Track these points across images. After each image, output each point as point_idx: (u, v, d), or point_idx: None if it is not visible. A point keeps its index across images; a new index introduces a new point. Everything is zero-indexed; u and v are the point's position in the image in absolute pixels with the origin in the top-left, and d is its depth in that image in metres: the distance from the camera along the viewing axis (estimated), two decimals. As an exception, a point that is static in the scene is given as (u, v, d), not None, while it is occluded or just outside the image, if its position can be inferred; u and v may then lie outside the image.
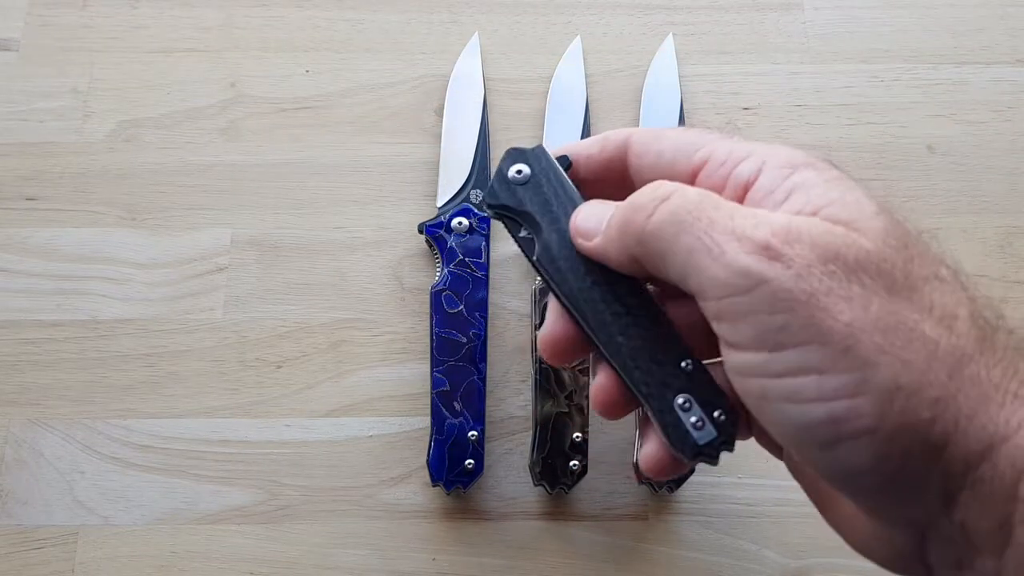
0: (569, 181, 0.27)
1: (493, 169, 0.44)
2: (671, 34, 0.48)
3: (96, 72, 0.47)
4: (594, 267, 0.25)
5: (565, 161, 0.27)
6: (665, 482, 0.39)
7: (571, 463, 0.39)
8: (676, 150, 0.25)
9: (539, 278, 0.41)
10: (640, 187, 0.25)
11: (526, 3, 0.49)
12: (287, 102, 0.47)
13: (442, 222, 0.42)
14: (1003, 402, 0.20)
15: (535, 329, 0.40)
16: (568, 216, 0.26)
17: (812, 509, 0.40)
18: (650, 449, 0.26)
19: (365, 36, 0.48)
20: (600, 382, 0.26)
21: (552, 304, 0.27)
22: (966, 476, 0.20)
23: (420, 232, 0.42)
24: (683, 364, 0.25)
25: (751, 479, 0.40)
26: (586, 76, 0.47)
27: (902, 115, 0.47)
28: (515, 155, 0.27)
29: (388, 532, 0.39)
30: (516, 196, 0.27)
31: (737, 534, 0.40)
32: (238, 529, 0.39)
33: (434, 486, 0.39)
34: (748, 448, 0.41)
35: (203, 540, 0.39)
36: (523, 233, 0.27)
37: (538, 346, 0.27)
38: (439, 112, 0.46)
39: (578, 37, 0.48)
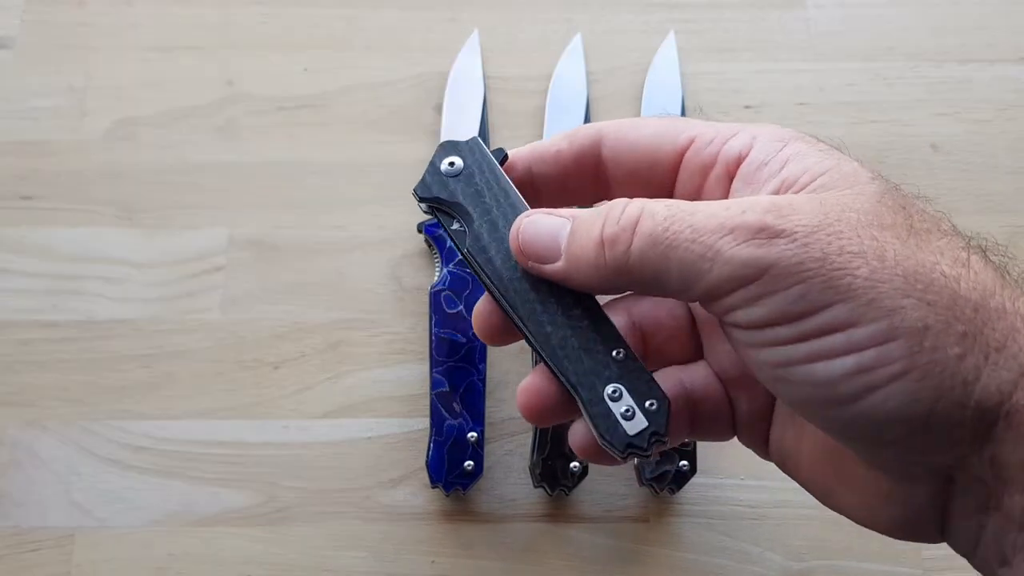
0: (503, 173, 0.26)
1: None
2: (672, 32, 0.48)
3: (93, 70, 0.47)
4: None
5: (500, 153, 0.26)
6: (667, 483, 0.38)
7: (571, 465, 0.39)
8: (657, 136, 0.25)
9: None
10: (618, 177, 0.26)
11: (526, 1, 0.49)
12: (285, 100, 0.46)
13: (441, 221, 0.42)
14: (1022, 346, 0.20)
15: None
16: (501, 206, 0.25)
17: (815, 511, 0.40)
18: (580, 427, 0.25)
19: (364, 34, 0.48)
20: (528, 383, 0.25)
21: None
22: (1000, 407, 0.20)
23: (419, 232, 0.42)
24: (614, 353, 0.24)
25: (753, 481, 0.40)
26: (587, 74, 0.46)
27: (905, 113, 0.47)
28: (448, 148, 0.26)
29: (387, 534, 0.39)
30: (448, 188, 0.26)
31: (739, 536, 0.39)
32: (236, 531, 0.39)
33: (433, 488, 0.39)
34: (750, 450, 0.41)
35: (200, 542, 0.39)
36: (455, 226, 0.26)
37: (473, 323, 0.27)
38: (439, 110, 0.46)
39: (579, 35, 0.47)
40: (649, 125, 0.25)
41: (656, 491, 0.39)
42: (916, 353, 0.20)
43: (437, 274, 0.41)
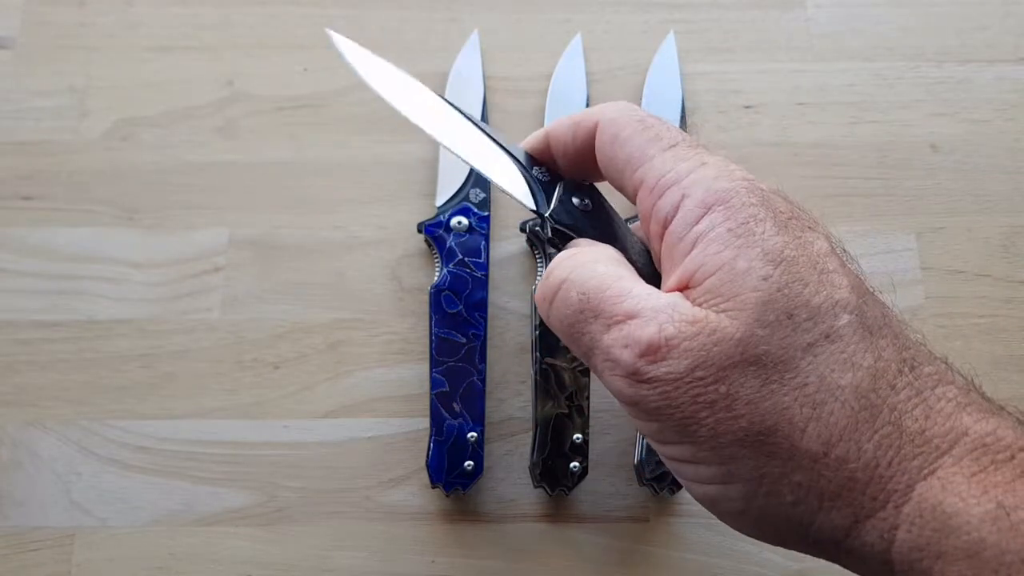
0: (619, 216, 0.29)
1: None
2: (672, 32, 0.48)
3: (93, 70, 0.47)
4: None
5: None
6: (667, 484, 0.39)
7: (571, 465, 0.39)
8: (625, 162, 0.26)
9: (538, 277, 0.40)
10: (610, 181, 0.28)
11: (526, 1, 0.49)
12: (285, 100, 0.46)
13: (441, 221, 0.42)
14: (868, 480, 0.21)
15: (535, 329, 0.40)
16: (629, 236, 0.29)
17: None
18: None
19: (364, 34, 0.48)
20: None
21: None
22: (838, 546, 0.22)
23: (419, 232, 0.42)
24: None
25: (753, 481, 0.40)
26: (587, 74, 0.46)
27: (905, 113, 0.47)
28: (572, 186, 0.29)
29: (387, 534, 0.39)
30: (576, 219, 0.29)
31: (738, 536, 0.39)
32: (236, 531, 0.39)
33: (433, 488, 0.39)
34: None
35: (201, 542, 0.39)
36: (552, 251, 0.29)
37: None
38: (438, 110, 0.46)
39: (579, 35, 0.47)
40: (622, 144, 0.26)
41: (656, 491, 0.39)
42: (752, 498, 0.22)
43: (437, 274, 0.41)
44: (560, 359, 0.39)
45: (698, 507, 0.40)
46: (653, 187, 0.25)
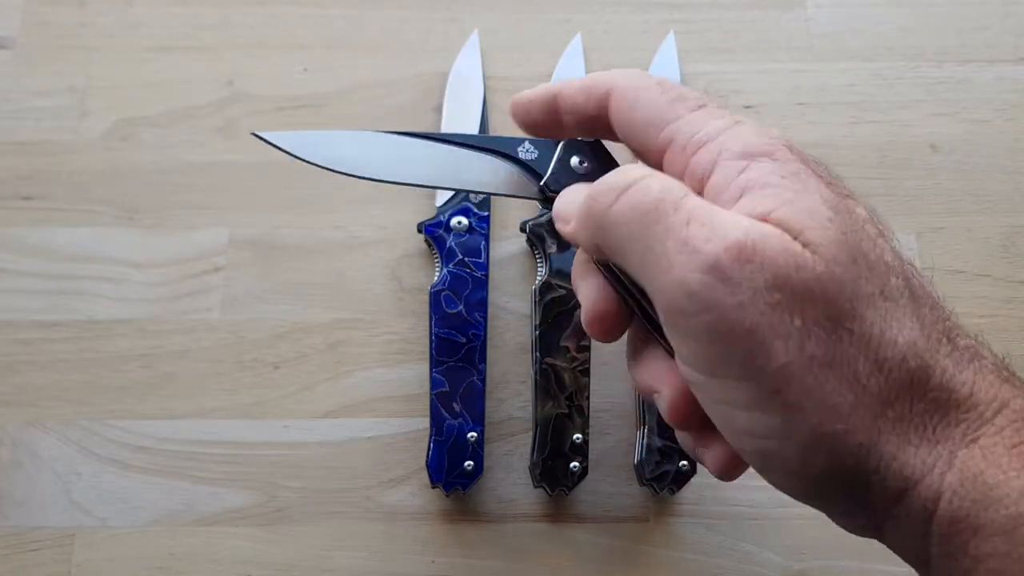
0: None
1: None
2: (672, 32, 0.48)
3: (93, 70, 0.47)
4: None
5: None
6: (667, 484, 0.39)
7: (571, 465, 0.39)
8: (647, 123, 0.24)
9: (538, 277, 0.40)
10: (623, 143, 0.26)
11: (526, 1, 0.49)
12: (285, 100, 0.46)
13: (441, 221, 0.42)
14: (919, 443, 0.20)
15: (535, 329, 0.40)
16: None
17: (814, 511, 0.40)
18: (718, 451, 0.25)
19: (364, 34, 0.48)
20: (595, 295, 0.26)
21: (593, 280, 0.26)
22: (887, 512, 0.21)
23: (419, 231, 0.42)
24: None
25: (753, 481, 0.40)
26: (587, 74, 0.46)
27: (905, 113, 0.47)
28: (574, 147, 0.28)
29: (387, 534, 0.39)
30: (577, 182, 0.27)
31: (739, 536, 0.39)
32: (236, 531, 0.39)
33: (433, 488, 0.39)
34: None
35: (201, 542, 0.39)
36: None
37: (585, 324, 0.26)
38: (438, 111, 0.46)
39: (579, 35, 0.47)
40: (642, 106, 0.25)
41: (656, 491, 0.39)
42: (809, 459, 0.21)
43: (437, 274, 0.41)
44: (560, 359, 0.39)
45: (698, 507, 0.40)
46: (685, 145, 0.23)
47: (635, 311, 0.26)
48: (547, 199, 0.28)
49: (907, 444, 0.20)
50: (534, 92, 0.28)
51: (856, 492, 0.21)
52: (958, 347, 0.21)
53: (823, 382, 0.20)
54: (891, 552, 0.23)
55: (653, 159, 0.25)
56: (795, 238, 0.20)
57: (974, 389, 0.21)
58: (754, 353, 0.20)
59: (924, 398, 0.20)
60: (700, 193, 0.22)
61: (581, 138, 0.28)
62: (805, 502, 0.23)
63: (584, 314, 0.26)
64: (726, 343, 0.20)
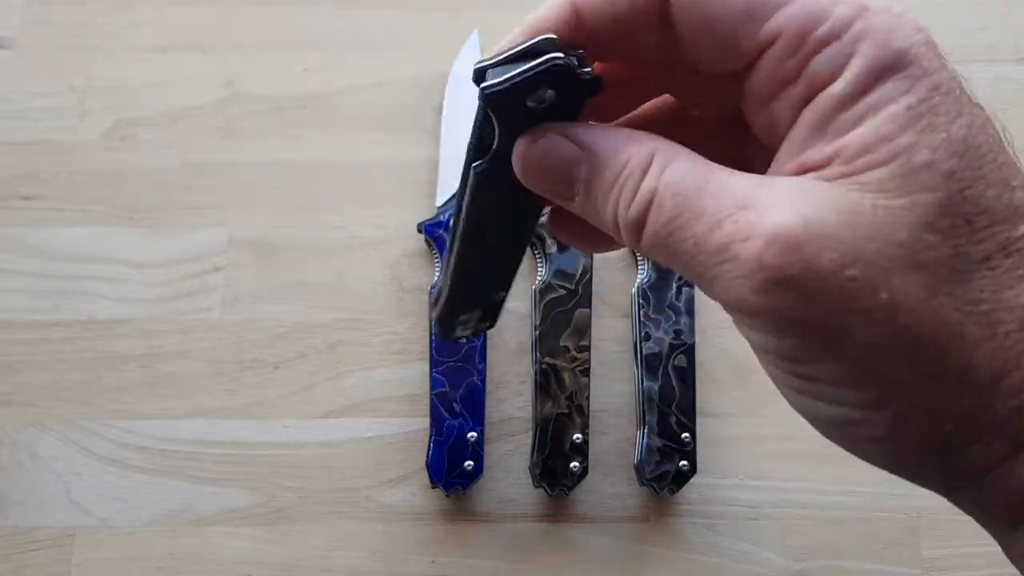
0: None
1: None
2: (672, 32, 0.48)
3: (93, 70, 0.47)
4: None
5: (597, 82, 0.21)
6: (667, 484, 0.39)
7: (571, 464, 0.39)
8: (735, 19, 0.19)
9: (538, 277, 0.41)
10: (691, 49, 0.20)
11: (526, 1, 0.49)
12: (285, 100, 0.46)
13: (441, 221, 0.42)
14: None
15: (535, 329, 0.40)
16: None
17: (814, 511, 0.40)
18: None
19: (363, 34, 0.48)
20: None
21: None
22: (982, 477, 0.19)
23: (419, 231, 0.42)
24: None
25: (752, 481, 0.40)
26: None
27: (905, 114, 0.47)
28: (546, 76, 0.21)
29: (387, 534, 0.39)
30: (523, 113, 0.21)
31: (738, 536, 0.39)
32: (236, 531, 0.39)
33: (433, 488, 0.39)
34: (750, 449, 0.41)
35: (200, 542, 0.39)
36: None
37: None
38: (438, 111, 0.46)
39: (578, 35, 0.47)
40: None
41: (656, 491, 0.39)
42: (902, 425, 0.19)
43: (437, 274, 0.41)
44: (560, 359, 0.39)
45: (698, 507, 0.40)
46: (801, 42, 0.19)
47: None
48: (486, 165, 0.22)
49: (1021, 413, 0.18)
50: (540, 15, 0.22)
51: (946, 455, 0.19)
52: None
53: (921, 354, 0.18)
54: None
55: (736, 59, 0.20)
56: (886, 199, 0.18)
57: None
58: (831, 339, 0.18)
59: None
60: (811, 98, 0.19)
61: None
62: (883, 467, 0.20)
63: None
64: (797, 336, 0.18)
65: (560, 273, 0.40)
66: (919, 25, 0.19)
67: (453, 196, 0.43)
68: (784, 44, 0.19)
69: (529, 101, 0.20)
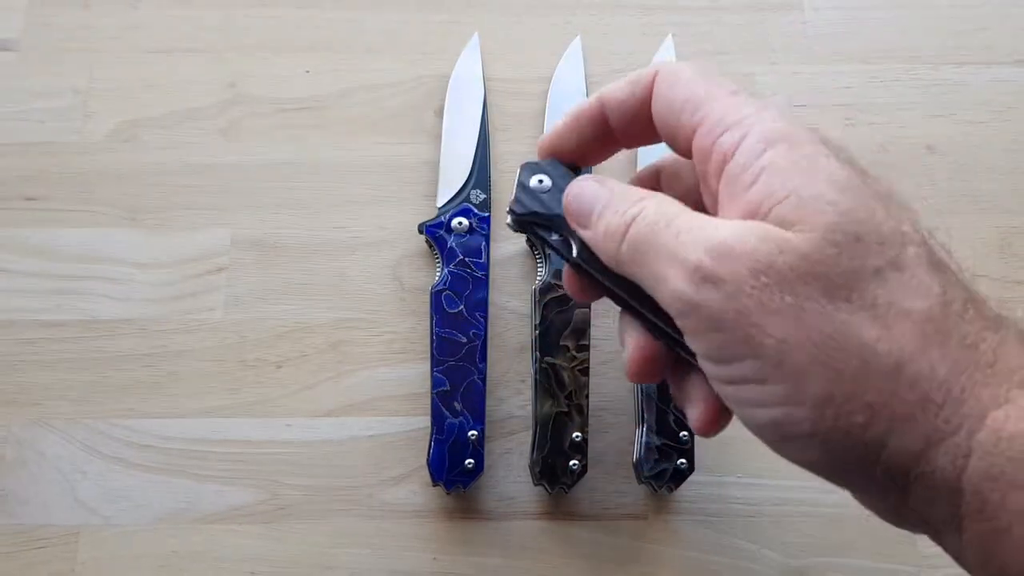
0: None
1: (494, 168, 0.44)
2: (671, 34, 0.48)
3: (96, 72, 0.47)
4: None
5: (576, 170, 0.29)
6: (665, 481, 0.39)
7: (571, 463, 0.39)
8: (684, 102, 0.25)
9: (538, 277, 0.41)
10: (658, 129, 0.27)
11: (526, 3, 0.49)
12: (287, 102, 0.47)
13: (442, 222, 0.42)
14: (943, 402, 0.21)
15: (535, 329, 0.40)
16: None
17: (812, 508, 0.40)
18: (699, 408, 0.27)
19: (365, 36, 0.48)
20: (636, 344, 0.28)
21: (626, 324, 0.28)
22: (908, 473, 0.21)
23: (420, 232, 0.42)
24: None
25: (751, 479, 0.41)
26: (586, 76, 0.47)
27: (902, 115, 0.47)
28: (532, 168, 0.29)
29: (388, 532, 0.39)
30: (543, 203, 0.28)
31: (737, 533, 0.40)
32: (239, 529, 0.39)
33: (434, 486, 0.39)
34: (748, 448, 0.41)
35: (204, 540, 0.39)
36: (554, 237, 0.28)
37: (626, 369, 0.28)
38: (439, 112, 0.46)
39: (578, 37, 0.48)
40: (682, 85, 0.26)
41: (654, 489, 0.39)
42: (820, 419, 0.21)
43: (438, 274, 0.41)
44: (560, 358, 0.40)
45: (696, 505, 0.40)
46: (714, 125, 0.24)
47: (655, 326, 0.27)
48: (516, 222, 0.29)
49: (927, 403, 0.21)
50: (578, 108, 0.29)
51: (870, 454, 0.21)
52: (983, 316, 0.22)
53: (826, 349, 0.21)
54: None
55: (683, 144, 0.26)
56: (788, 227, 0.22)
57: (997, 356, 0.21)
58: (750, 333, 0.21)
59: (944, 361, 0.21)
60: (720, 171, 0.24)
61: (538, 160, 0.29)
62: (823, 474, 0.23)
63: (629, 364, 0.28)
64: (722, 330, 0.22)
65: (560, 273, 0.41)
66: (799, 120, 0.25)
67: (454, 197, 0.43)
68: (704, 127, 0.25)
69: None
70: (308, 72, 0.47)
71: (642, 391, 0.39)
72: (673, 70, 0.26)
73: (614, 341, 0.42)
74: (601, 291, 0.28)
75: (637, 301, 0.26)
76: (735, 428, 0.41)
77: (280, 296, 0.43)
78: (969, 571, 0.22)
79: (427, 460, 0.39)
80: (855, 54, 0.48)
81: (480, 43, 0.47)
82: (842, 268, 0.21)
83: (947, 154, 0.46)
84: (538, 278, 0.41)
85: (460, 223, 0.42)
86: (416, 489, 0.40)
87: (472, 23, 0.48)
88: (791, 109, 0.24)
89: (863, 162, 0.24)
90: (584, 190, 0.27)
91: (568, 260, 0.28)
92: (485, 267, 0.41)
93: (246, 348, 0.42)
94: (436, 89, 0.47)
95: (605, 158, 0.30)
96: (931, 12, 0.50)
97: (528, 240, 0.42)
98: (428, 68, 0.47)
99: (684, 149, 0.26)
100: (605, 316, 0.43)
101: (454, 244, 0.41)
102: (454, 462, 0.39)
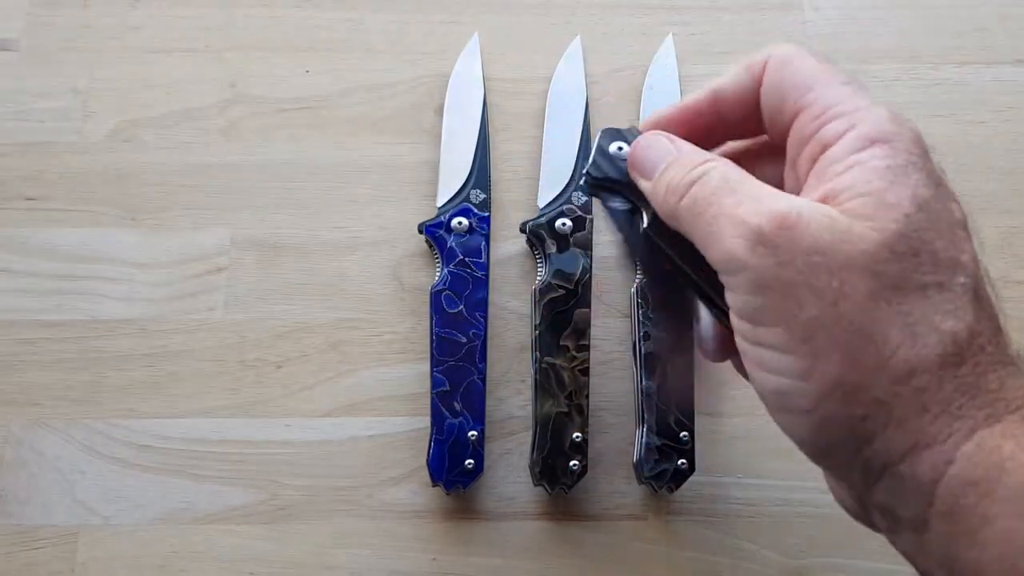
0: None
1: (494, 168, 0.44)
2: (671, 34, 0.48)
3: (96, 72, 0.47)
4: None
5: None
6: (665, 482, 0.39)
7: (571, 463, 0.39)
8: (796, 84, 0.26)
9: (538, 277, 0.41)
10: (763, 112, 0.27)
11: (526, 3, 0.49)
12: (287, 102, 0.47)
13: (442, 222, 0.42)
14: (939, 414, 0.22)
15: (535, 329, 0.40)
16: None
17: (812, 509, 0.40)
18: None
19: (365, 36, 0.48)
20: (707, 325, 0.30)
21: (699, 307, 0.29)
22: (884, 469, 0.23)
23: (420, 232, 0.42)
24: None
25: (751, 479, 0.40)
26: (586, 76, 0.47)
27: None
28: (612, 134, 0.29)
29: (388, 532, 0.39)
30: (620, 169, 0.29)
31: (737, 534, 0.40)
32: (238, 529, 0.39)
33: (434, 486, 0.39)
34: (748, 448, 0.41)
35: (203, 540, 0.39)
36: (618, 203, 0.29)
37: (705, 349, 0.30)
38: (439, 112, 0.46)
39: (578, 37, 0.48)
40: (792, 68, 0.26)
41: (654, 489, 0.39)
42: (824, 400, 0.23)
43: (438, 274, 0.41)
44: (560, 358, 0.40)
45: (696, 505, 0.40)
46: (821, 113, 0.25)
47: (690, 280, 0.28)
48: (590, 185, 0.29)
49: (924, 412, 0.22)
50: (690, 98, 0.29)
51: (858, 443, 0.23)
52: (1002, 351, 0.23)
53: (851, 339, 0.22)
54: (889, 549, 0.24)
55: (780, 128, 0.26)
56: (858, 221, 0.23)
57: (1002, 386, 0.22)
58: (788, 304, 0.23)
59: (952, 380, 0.22)
60: (818, 158, 0.24)
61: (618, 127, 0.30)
62: (807, 449, 0.25)
63: (716, 344, 0.30)
64: (763, 295, 0.23)
65: (560, 273, 0.40)
66: (914, 125, 0.25)
67: (453, 197, 0.43)
68: (807, 115, 0.25)
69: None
70: (308, 72, 0.47)
71: (642, 391, 0.39)
72: (786, 52, 0.27)
73: (614, 341, 0.42)
74: (662, 268, 0.29)
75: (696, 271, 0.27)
76: (735, 429, 0.41)
77: (280, 296, 0.43)
78: (920, 568, 0.23)
79: (427, 460, 0.39)
80: (855, 54, 0.48)
81: (480, 43, 0.47)
82: (892, 274, 0.22)
83: (947, 154, 0.46)
84: (538, 278, 0.41)
85: (460, 223, 0.42)
86: (416, 489, 0.40)
87: (472, 23, 0.48)
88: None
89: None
90: (653, 143, 0.28)
91: (624, 231, 0.29)
92: (485, 267, 0.41)
93: (246, 348, 0.42)
94: (436, 89, 0.47)
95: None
96: (931, 12, 0.50)
97: (528, 240, 0.42)
98: (428, 68, 0.47)
99: (781, 132, 0.27)
100: (605, 316, 0.43)
101: (454, 244, 0.41)
102: (454, 462, 0.39)
